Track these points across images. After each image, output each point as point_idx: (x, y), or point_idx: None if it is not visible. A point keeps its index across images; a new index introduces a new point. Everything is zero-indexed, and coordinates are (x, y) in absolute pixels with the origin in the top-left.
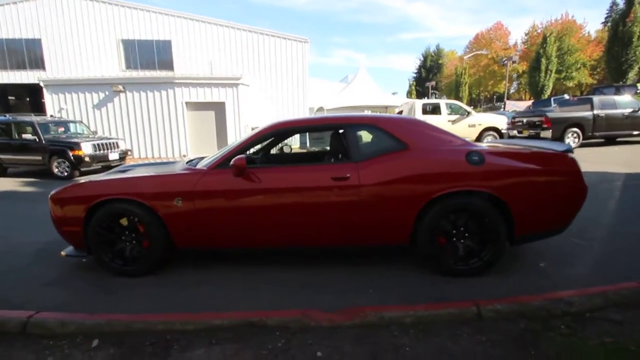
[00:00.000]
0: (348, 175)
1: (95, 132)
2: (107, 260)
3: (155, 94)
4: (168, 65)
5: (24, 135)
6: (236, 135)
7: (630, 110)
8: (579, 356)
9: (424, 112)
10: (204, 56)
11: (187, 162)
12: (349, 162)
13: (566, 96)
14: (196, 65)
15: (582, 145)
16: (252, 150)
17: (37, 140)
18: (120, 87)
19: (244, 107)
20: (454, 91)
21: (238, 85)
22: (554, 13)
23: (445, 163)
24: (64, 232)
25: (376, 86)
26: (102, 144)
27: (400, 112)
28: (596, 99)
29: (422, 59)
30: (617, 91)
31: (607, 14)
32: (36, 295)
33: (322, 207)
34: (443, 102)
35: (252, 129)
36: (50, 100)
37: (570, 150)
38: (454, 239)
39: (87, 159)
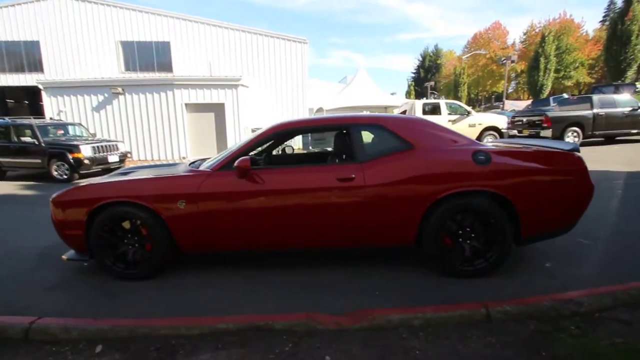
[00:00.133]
0: (353, 175)
1: (94, 135)
2: (109, 263)
3: (155, 95)
4: (167, 66)
5: (22, 138)
6: (236, 137)
7: (629, 109)
8: (592, 357)
9: (424, 112)
10: (203, 57)
11: (189, 164)
12: (354, 163)
13: (565, 95)
14: (195, 66)
15: (582, 144)
16: (254, 152)
17: (36, 143)
18: (120, 89)
19: (243, 108)
20: (452, 91)
21: (237, 87)
22: (551, 12)
23: (451, 163)
24: (66, 235)
25: (375, 86)
26: (102, 147)
27: (404, 112)
28: (596, 97)
29: (420, 59)
30: (616, 90)
31: (605, 12)
32: (38, 300)
33: (327, 208)
34: (443, 102)
35: (252, 130)
36: (49, 103)
37: (576, 149)
38: (460, 239)
39: (86, 161)
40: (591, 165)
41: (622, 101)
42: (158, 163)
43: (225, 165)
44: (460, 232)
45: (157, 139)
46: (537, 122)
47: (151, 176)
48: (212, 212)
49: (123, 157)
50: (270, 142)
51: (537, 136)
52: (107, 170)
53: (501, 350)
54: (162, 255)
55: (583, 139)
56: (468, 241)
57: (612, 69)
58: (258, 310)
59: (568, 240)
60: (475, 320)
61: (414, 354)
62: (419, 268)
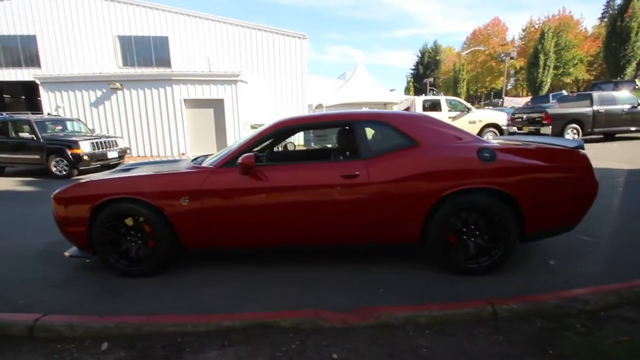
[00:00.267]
0: (357, 172)
1: (92, 130)
2: (112, 260)
3: (153, 91)
4: (165, 62)
5: (21, 134)
6: (235, 133)
7: (629, 106)
8: (599, 356)
9: (424, 108)
10: (202, 53)
11: (192, 161)
12: (358, 160)
13: (564, 92)
14: (194, 62)
15: None
16: (257, 149)
17: (35, 138)
18: (118, 84)
19: (243, 104)
20: (452, 87)
21: (237, 82)
22: (551, 9)
23: (456, 160)
24: (68, 232)
25: (374, 83)
26: (101, 142)
27: (408, 109)
28: (595, 94)
29: (419, 55)
30: (615, 87)
31: (604, 9)
32: (41, 297)
33: (331, 205)
34: (443, 99)
35: (251, 126)
36: (46, 98)
37: (581, 146)
38: (465, 237)
39: (85, 157)
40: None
41: (622, 98)
42: (159, 159)
43: (229, 162)
44: (465, 229)
45: (155, 135)
46: (537, 119)
47: (154, 172)
48: (215, 209)
49: (122, 153)
50: (274, 139)
51: (537, 133)
52: (106, 167)
53: (508, 348)
54: (165, 252)
55: (583, 136)
56: (472, 239)
57: (611, 65)
58: (262, 307)
59: (570, 237)
60: (481, 318)
61: (421, 352)
62: (423, 265)
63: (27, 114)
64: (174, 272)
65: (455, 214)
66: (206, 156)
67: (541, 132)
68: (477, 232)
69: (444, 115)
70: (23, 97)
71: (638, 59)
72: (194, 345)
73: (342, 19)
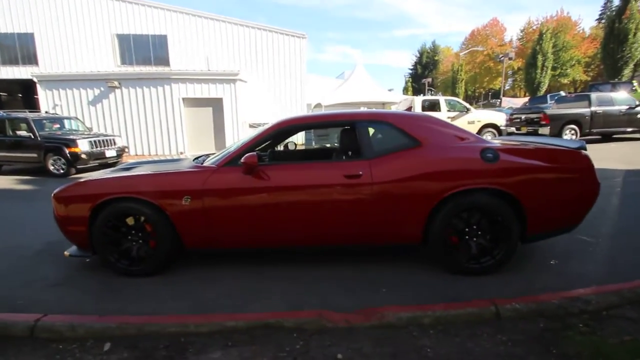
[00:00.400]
0: (360, 172)
1: (90, 129)
2: (113, 260)
3: (152, 89)
4: (164, 60)
5: (18, 132)
6: (234, 132)
7: (626, 107)
8: (602, 356)
9: (423, 108)
10: (201, 52)
11: (194, 160)
12: (361, 160)
13: (562, 93)
14: (193, 61)
15: None
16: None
17: (32, 137)
18: (116, 83)
19: (241, 103)
20: (450, 88)
21: (236, 81)
22: (549, 9)
23: (459, 160)
24: (68, 231)
25: (373, 82)
26: (99, 141)
27: (410, 109)
28: (594, 95)
29: (418, 55)
30: (613, 88)
31: (601, 10)
32: (41, 296)
33: (334, 205)
34: (442, 99)
35: (250, 125)
36: (44, 96)
37: (583, 147)
38: (467, 237)
39: (83, 156)
40: None
41: (619, 99)
42: (159, 158)
43: (231, 161)
44: (467, 229)
45: (154, 133)
46: (535, 120)
47: (156, 172)
48: (217, 209)
49: (120, 152)
50: (276, 139)
51: (535, 133)
52: (104, 165)
53: (512, 348)
54: (166, 252)
55: (580, 136)
56: (474, 239)
57: (609, 67)
58: (264, 307)
59: (570, 238)
60: (484, 318)
61: (425, 353)
62: (424, 265)
63: (25, 112)
64: (175, 271)
65: (458, 214)
66: (207, 155)
67: (539, 132)
68: (479, 233)
69: (443, 115)
70: (20, 95)
71: (635, 60)
72: (197, 345)
73: (341, 19)
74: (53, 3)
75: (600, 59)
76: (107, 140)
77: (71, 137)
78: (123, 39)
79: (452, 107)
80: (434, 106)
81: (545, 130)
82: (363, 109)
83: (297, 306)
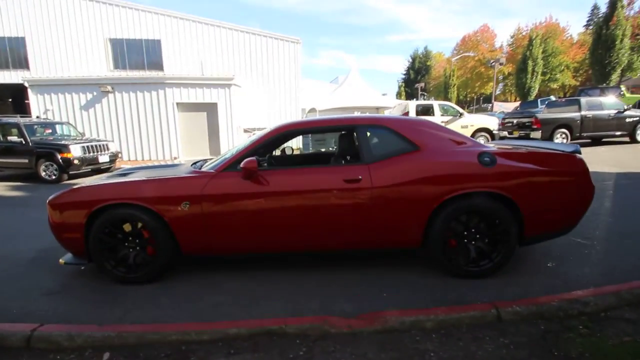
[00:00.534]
0: (360, 177)
1: (83, 134)
2: (109, 267)
3: (145, 94)
4: (158, 65)
5: (9, 138)
6: (229, 137)
7: (615, 111)
8: (603, 357)
9: (417, 113)
10: (195, 56)
11: (192, 165)
12: (360, 164)
13: (552, 97)
14: (187, 65)
15: None
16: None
17: (23, 142)
18: (109, 88)
19: (236, 108)
20: (442, 92)
21: (230, 86)
22: (537, 16)
23: (458, 164)
24: (64, 238)
25: (368, 87)
26: (92, 146)
27: (406, 114)
28: (583, 100)
29: (410, 60)
30: (602, 92)
31: (588, 17)
32: (36, 305)
33: (334, 209)
34: (436, 104)
35: (245, 130)
36: (35, 101)
37: (578, 151)
38: (465, 240)
39: (76, 161)
40: None
41: (608, 104)
42: (154, 164)
43: (230, 166)
44: (466, 233)
45: (147, 138)
46: (526, 124)
47: (153, 177)
48: (217, 214)
49: (114, 157)
50: (276, 143)
51: (527, 137)
52: (97, 171)
53: (515, 350)
54: (164, 258)
55: (571, 140)
56: (473, 242)
57: (597, 72)
58: (264, 312)
59: (565, 240)
60: (486, 321)
61: (429, 357)
62: (423, 268)
63: (16, 117)
64: (172, 277)
65: (457, 218)
66: (205, 160)
67: (531, 136)
68: (477, 236)
69: (436, 119)
70: (10, 100)
71: (622, 66)
72: (200, 353)
73: (334, 24)
74: (45, 7)
75: (588, 64)
76: (100, 146)
77: (63, 142)
78: (116, 44)
79: (445, 111)
80: (427, 111)
81: (537, 134)
82: (357, 114)
83: (298, 311)
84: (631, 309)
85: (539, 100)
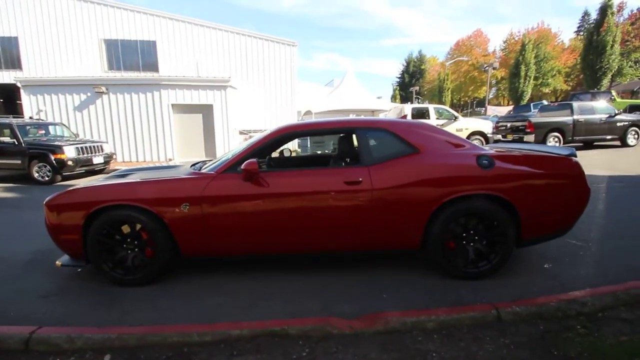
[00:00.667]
0: (360, 179)
1: (77, 135)
2: (107, 269)
3: (140, 95)
4: (153, 66)
5: (1, 138)
6: (224, 139)
7: (606, 115)
8: (601, 356)
9: (413, 116)
10: (190, 58)
11: (191, 166)
12: (360, 166)
13: (545, 102)
14: (182, 67)
15: None
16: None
17: (16, 143)
18: (103, 89)
19: (232, 110)
20: (436, 96)
21: (226, 88)
22: (529, 21)
23: (457, 167)
24: (61, 240)
25: (364, 90)
26: (86, 147)
27: (405, 117)
28: (575, 104)
29: (405, 64)
30: (593, 97)
31: (579, 23)
32: (33, 307)
33: (334, 211)
34: (432, 107)
35: (240, 132)
36: (27, 102)
37: (573, 154)
38: (464, 242)
39: (70, 162)
40: None
41: (600, 108)
42: (152, 165)
43: (231, 167)
44: (464, 234)
45: (142, 140)
46: (520, 128)
47: (153, 178)
48: (217, 216)
49: (108, 159)
50: (276, 145)
51: (520, 141)
52: (91, 172)
53: (515, 351)
54: (163, 260)
55: (563, 144)
56: (472, 244)
57: (588, 77)
58: (265, 313)
59: (560, 242)
60: (486, 321)
61: (431, 358)
62: (423, 270)
63: (9, 117)
64: (171, 278)
65: (455, 220)
66: (204, 162)
67: (524, 139)
68: (476, 237)
69: (432, 122)
70: (1, 100)
71: (613, 71)
72: (201, 355)
73: (329, 27)
74: (38, 7)
75: (579, 69)
76: (94, 147)
77: (57, 143)
78: (111, 44)
79: (440, 114)
80: (423, 114)
81: (530, 137)
82: (352, 117)
83: (299, 312)
84: (627, 309)
85: (531, 104)
